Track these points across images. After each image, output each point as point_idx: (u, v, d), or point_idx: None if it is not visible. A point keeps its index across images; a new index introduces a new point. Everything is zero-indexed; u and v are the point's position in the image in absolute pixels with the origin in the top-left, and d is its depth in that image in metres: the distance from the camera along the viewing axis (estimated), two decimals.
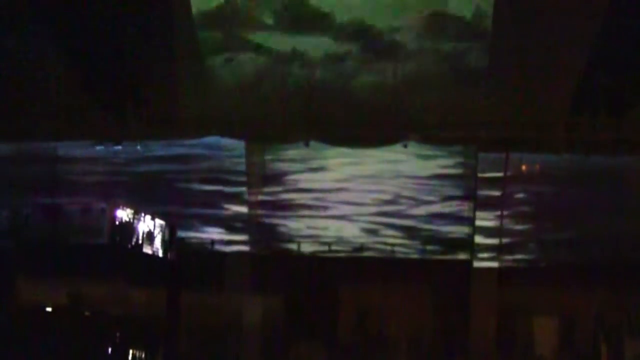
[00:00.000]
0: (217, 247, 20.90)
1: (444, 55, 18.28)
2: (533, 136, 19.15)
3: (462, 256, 20.98)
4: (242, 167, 20.38)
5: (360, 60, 18.50)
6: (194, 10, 17.71)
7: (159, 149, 20.57)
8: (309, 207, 20.93)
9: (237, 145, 20.16)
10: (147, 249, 17.25)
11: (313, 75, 18.52)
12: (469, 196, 20.49)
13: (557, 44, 17.46)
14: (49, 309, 16.84)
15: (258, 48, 18.33)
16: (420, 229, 21.00)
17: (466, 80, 18.51)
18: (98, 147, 20.19)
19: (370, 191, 20.71)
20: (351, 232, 21.13)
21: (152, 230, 17.45)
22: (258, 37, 18.21)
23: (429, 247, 21.13)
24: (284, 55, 18.39)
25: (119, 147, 20.16)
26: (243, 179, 20.49)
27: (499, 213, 20.45)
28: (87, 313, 16.95)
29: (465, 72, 18.47)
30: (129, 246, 16.83)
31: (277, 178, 20.76)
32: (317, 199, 20.86)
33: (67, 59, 18.29)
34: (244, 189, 20.58)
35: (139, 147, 20.28)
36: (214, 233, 21.00)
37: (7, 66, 18.19)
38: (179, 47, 18.22)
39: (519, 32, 17.41)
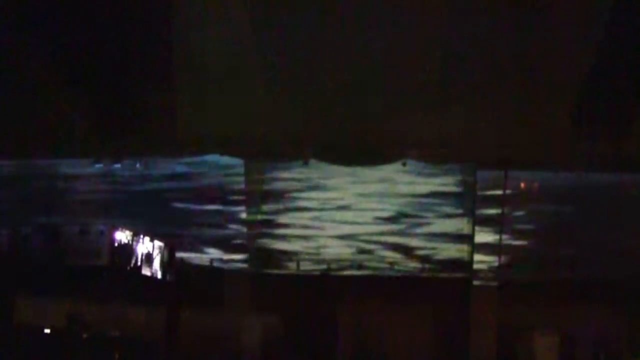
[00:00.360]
0: (216, 266, 20.88)
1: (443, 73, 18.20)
2: (532, 154, 19.18)
3: (461, 274, 20.95)
4: (241, 186, 20.40)
5: None
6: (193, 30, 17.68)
7: (158, 167, 20.60)
8: (308, 225, 20.95)
9: (236, 163, 20.20)
10: (146, 271, 17.22)
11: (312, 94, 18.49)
12: (468, 214, 20.49)
13: (556, 62, 17.42)
14: (47, 331, 16.78)
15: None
16: (420, 247, 21.01)
17: (464, 98, 18.46)
18: (97, 165, 20.22)
19: (369, 209, 20.73)
20: (350, 250, 21.13)
21: (151, 251, 17.41)
22: None
23: (428, 265, 21.12)
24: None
25: (118, 165, 20.21)
26: (242, 197, 20.50)
27: (498, 231, 20.44)
28: (85, 335, 16.89)
29: (463, 90, 18.42)
30: (128, 268, 16.79)
31: (276, 196, 20.78)
32: (316, 217, 20.88)
33: (65, 77, 18.26)
34: (242, 207, 20.59)
35: (138, 165, 20.34)
36: (213, 252, 20.99)
37: (4, 84, 18.16)
38: (178, 64, 18.19)
39: (517, 50, 17.37)
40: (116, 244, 16.48)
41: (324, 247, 21.12)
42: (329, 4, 16.37)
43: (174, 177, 20.66)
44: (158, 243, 17.65)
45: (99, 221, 19.31)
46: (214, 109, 18.84)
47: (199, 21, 17.50)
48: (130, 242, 16.76)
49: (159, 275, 17.77)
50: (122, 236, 16.63)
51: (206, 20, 17.28)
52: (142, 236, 17.11)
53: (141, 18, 17.04)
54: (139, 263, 17.02)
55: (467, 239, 20.71)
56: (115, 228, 16.61)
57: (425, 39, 17.30)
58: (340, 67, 17.90)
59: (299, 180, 20.54)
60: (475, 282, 20.82)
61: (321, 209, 20.79)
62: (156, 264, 17.63)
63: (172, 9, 17.19)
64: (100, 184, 20.93)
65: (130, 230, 16.88)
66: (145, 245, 17.22)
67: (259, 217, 20.85)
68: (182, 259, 19.52)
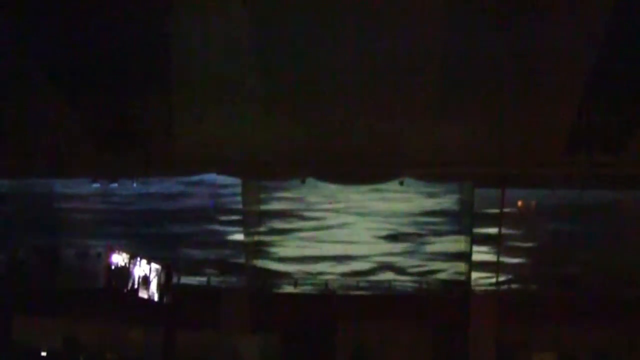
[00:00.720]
0: (213, 286, 20.81)
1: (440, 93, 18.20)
2: (529, 172, 19.20)
3: (459, 291, 20.90)
4: (239, 206, 20.38)
5: None
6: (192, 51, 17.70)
7: (155, 186, 20.59)
8: (306, 244, 20.92)
9: (233, 182, 20.19)
10: (143, 293, 17.24)
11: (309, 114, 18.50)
12: (466, 232, 20.48)
13: (553, 82, 17.43)
14: (44, 353, 16.79)
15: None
16: (418, 265, 20.97)
17: (461, 117, 18.47)
18: (94, 185, 20.20)
19: (366, 229, 20.71)
20: (348, 269, 21.09)
21: (148, 274, 17.46)
22: None
23: (426, 283, 21.09)
24: None
25: (115, 185, 20.19)
26: (239, 217, 20.47)
27: (496, 248, 20.42)
28: (82, 357, 16.90)
29: (460, 109, 18.42)
30: (125, 290, 16.81)
31: (273, 216, 20.76)
32: (313, 236, 20.85)
33: (64, 98, 18.27)
34: (239, 227, 20.57)
35: (135, 185, 20.31)
36: (211, 272, 20.94)
37: (3, 105, 18.17)
38: (176, 85, 18.19)
39: (514, 70, 17.38)
40: (113, 267, 16.54)
41: (322, 265, 21.07)
42: (325, 28, 16.36)
43: (170, 196, 20.61)
44: (155, 265, 17.69)
45: (94, 241, 19.43)
46: (211, 129, 18.86)
47: (198, 43, 17.49)
48: (128, 264, 16.84)
49: (156, 298, 17.79)
50: (120, 259, 16.69)
51: (205, 42, 17.28)
52: (139, 259, 17.14)
53: (141, 40, 17.03)
54: (136, 285, 17.06)
55: (465, 257, 20.70)
56: (112, 251, 16.66)
57: (423, 58, 17.32)
58: (338, 87, 17.94)
59: (296, 199, 20.54)
60: (474, 300, 20.74)
61: (318, 228, 20.76)
62: (153, 286, 17.69)
63: (171, 31, 17.22)
64: (97, 203, 20.90)
65: (127, 253, 16.91)
66: (142, 268, 17.28)
67: (256, 238, 20.83)
68: (178, 280, 19.52)
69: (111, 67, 17.62)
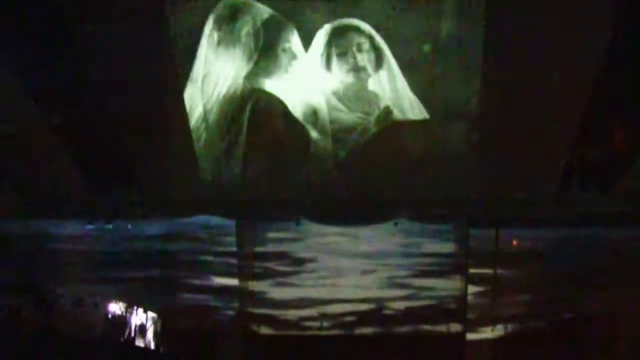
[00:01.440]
0: (208, 331, 20.75)
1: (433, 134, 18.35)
2: (523, 212, 19.32)
3: (455, 331, 20.91)
4: (233, 247, 20.41)
5: None
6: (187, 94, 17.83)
7: (149, 227, 20.60)
8: (300, 287, 20.93)
9: (227, 223, 20.23)
10: (139, 342, 17.25)
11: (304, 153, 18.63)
12: (461, 272, 20.53)
13: (545, 121, 17.57)
14: None
15: None
16: (413, 306, 20.98)
17: (455, 157, 18.60)
18: (88, 226, 20.22)
19: (361, 270, 20.73)
20: (343, 309, 21.08)
21: (144, 322, 17.49)
22: None
23: (421, 323, 21.10)
24: None
25: (110, 226, 20.22)
26: (233, 258, 20.49)
27: (491, 289, 20.47)
28: None
29: (453, 149, 18.56)
30: (122, 339, 16.81)
31: (268, 257, 20.78)
32: (307, 278, 20.86)
33: (58, 139, 18.32)
34: (234, 269, 20.59)
35: (130, 227, 20.35)
36: (205, 316, 20.88)
37: None
38: (171, 127, 18.30)
39: (507, 108, 17.51)
40: (110, 316, 16.55)
41: (317, 306, 21.04)
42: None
43: (164, 238, 20.62)
44: (151, 314, 17.71)
45: (88, 285, 19.43)
46: (205, 170, 18.97)
47: (192, 87, 17.67)
48: (124, 313, 16.85)
49: (153, 346, 17.80)
50: (116, 308, 16.72)
51: (200, 86, 17.44)
52: (135, 308, 17.18)
53: (135, 82, 17.17)
54: (132, 334, 17.05)
55: (461, 297, 20.73)
56: (109, 300, 16.70)
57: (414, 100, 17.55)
58: (331, 128, 18.09)
59: (290, 240, 20.57)
60: (468, 341, 20.75)
61: (313, 270, 20.78)
62: (149, 335, 17.68)
63: (166, 75, 17.36)
64: (90, 245, 20.89)
65: (123, 301, 16.95)
66: (138, 317, 17.29)
67: (250, 280, 20.83)
68: (174, 327, 19.50)
69: (108, 112, 17.73)
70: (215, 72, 17.81)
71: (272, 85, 17.90)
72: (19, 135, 18.23)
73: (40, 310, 16.65)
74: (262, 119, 18.27)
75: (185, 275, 20.61)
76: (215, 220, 20.16)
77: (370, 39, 17.42)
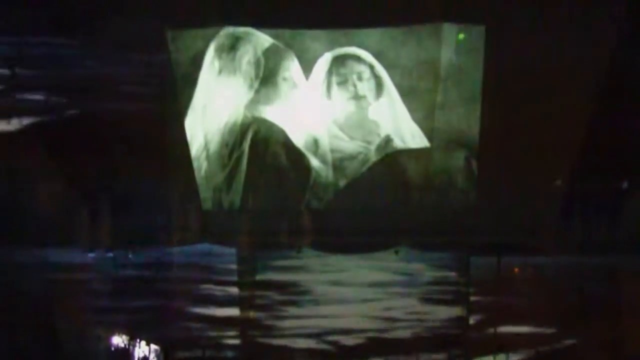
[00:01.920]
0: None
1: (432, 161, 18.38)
2: (524, 240, 19.27)
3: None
4: (234, 277, 20.34)
5: None
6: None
7: (150, 256, 20.54)
8: (302, 315, 20.82)
9: (228, 252, 20.17)
10: None
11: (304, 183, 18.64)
12: (462, 301, 20.44)
13: (546, 149, 17.57)
14: None
15: None
16: (414, 334, 20.83)
17: (455, 184, 18.62)
18: (90, 255, 20.18)
19: (363, 299, 20.63)
20: (344, 338, 20.93)
21: (147, 355, 17.40)
22: None
23: (422, 352, 20.94)
24: None
25: (111, 254, 20.17)
26: (234, 288, 20.42)
27: (492, 317, 20.36)
28: None
29: (454, 177, 18.57)
30: None
31: (268, 287, 20.68)
32: (309, 307, 20.75)
33: (59, 170, 18.34)
34: (235, 299, 20.50)
35: (130, 255, 20.31)
36: (206, 347, 20.74)
37: None
38: (172, 155, 18.33)
39: (507, 137, 17.53)
40: (113, 349, 16.47)
41: (318, 337, 20.89)
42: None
43: (165, 267, 20.55)
44: (154, 347, 17.62)
45: (90, 315, 19.33)
46: (206, 199, 18.97)
47: (193, 116, 17.73)
48: (127, 346, 16.75)
49: None
50: (119, 340, 16.64)
51: (201, 114, 17.50)
52: (138, 340, 17.10)
53: (135, 111, 17.23)
54: None
55: (462, 325, 20.62)
56: (112, 332, 16.62)
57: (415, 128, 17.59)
58: (332, 157, 18.11)
59: (291, 269, 20.49)
60: None
61: (314, 301, 20.68)
62: None
63: (166, 104, 17.42)
64: (91, 273, 20.81)
65: (126, 334, 16.88)
66: (141, 349, 17.19)
67: (251, 311, 20.74)
68: (175, 358, 19.40)
69: (107, 136, 17.76)
70: (216, 101, 17.85)
71: (272, 114, 17.95)
72: (21, 166, 18.25)
73: (42, 342, 16.58)
74: (262, 147, 18.34)
75: (186, 304, 20.47)
76: (216, 249, 20.09)
77: (371, 67, 17.46)
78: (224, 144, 18.34)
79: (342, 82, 17.55)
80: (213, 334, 20.53)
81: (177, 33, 17.07)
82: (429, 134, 18.07)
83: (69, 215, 19.40)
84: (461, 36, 16.84)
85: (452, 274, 20.44)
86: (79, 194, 19.07)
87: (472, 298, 20.16)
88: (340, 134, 17.97)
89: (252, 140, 18.21)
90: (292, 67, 17.34)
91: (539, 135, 17.55)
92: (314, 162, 18.20)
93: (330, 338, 20.83)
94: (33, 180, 18.70)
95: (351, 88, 17.61)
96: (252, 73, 17.50)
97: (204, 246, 20.14)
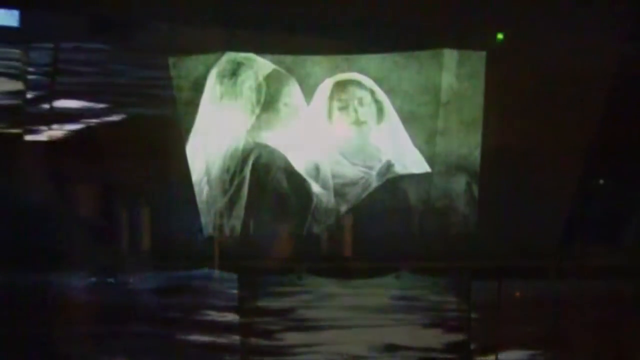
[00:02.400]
0: None
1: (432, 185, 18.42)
2: (526, 264, 19.26)
3: None
4: (234, 302, 20.26)
5: None
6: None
7: (151, 281, 20.47)
8: (304, 341, 20.72)
9: (229, 278, 20.11)
10: None
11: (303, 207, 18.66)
12: (463, 324, 20.37)
13: (547, 173, 17.63)
14: None
15: None
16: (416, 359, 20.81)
17: (457, 209, 18.66)
18: (91, 279, 20.13)
19: (364, 325, 20.54)
20: None
21: None
22: None
23: None
24: None
25: (112, 280, 20.12)
26: (236, 315, 20.33)
27: (494, 341, 20.31)
28: None
29: (455, 202, 18.61)
30: None
31: (270, 313, 20.57)
32: (311, 333, 20.64)
33: (60, 196, 18.32)
34: (236, 325, 20.39)
35: (131, 280, 20.25)
36: None
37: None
38: (173, 181, 18.35)
39: (508, 161, 17.58)
40: None
41: None
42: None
43: (167, 292, 20.47)
44: None
45: (92, 340, 19.26)
46: (207, 225, 18.98)
47: (194, 141, 17.78)
48: None
49: None
50: None
51: (202, 140, 17.58)
52: None
53: (136, 137, 17.28)
54: None
55: (464, 349, 20.55)
56: (111, 359, 16.57)
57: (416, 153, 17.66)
58: (333, 182, 18.15)
59: (292, 295, 20.41)
60: None
61: (315, 328, 20.57)
62: None
63: (167, 130, 17.46)
64: (93, 297, 20.76)
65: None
66: None
67: (253, 337, 20.64)
68: None
69: (107, 160, 17.78)
70: (217, 126, 17.89)
71: (274, 139, 17.98)
72: (23, 192, 18.21)
73: None
74: (264, 173, 18.36)
75: (187, 330, 20.39)
76: (217, 274, 20.04)
77: (372, 92, 17.53)
78: (225, 169, 18.35)
79: (344, 108, 17.60)
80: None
81: (179, 58, 17.12)
82: (430, 159, 18.08)
83: (70, 239, 19.36)
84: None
85: (453, 298, 20.40)
86: (79, 219, 19.05)
87: (474, 322, 20.10)
88: (342, 159, 18.00)
89: (254, 166, 18.22)
90: (293, 92, 17.38)
91: (540, 161, 17.58)
92: (315, 188, 18.22)
93: None
94: (34, 208, 18.66)
95: (352, 113, 17.66)
96: (254, 98, 17.54)
97: (205, 272, 20.10)
